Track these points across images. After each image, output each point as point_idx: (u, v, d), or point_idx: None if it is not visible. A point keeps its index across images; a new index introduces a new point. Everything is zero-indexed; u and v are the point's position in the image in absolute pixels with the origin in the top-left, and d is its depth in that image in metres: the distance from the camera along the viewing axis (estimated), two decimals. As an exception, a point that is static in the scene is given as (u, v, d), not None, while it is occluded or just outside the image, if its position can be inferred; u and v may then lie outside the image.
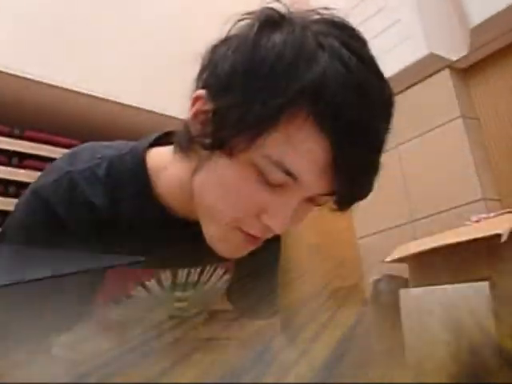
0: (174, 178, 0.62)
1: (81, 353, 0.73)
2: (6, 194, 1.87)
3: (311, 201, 0.55)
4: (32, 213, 0.58)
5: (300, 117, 0.47)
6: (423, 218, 2.02)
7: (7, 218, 0.63)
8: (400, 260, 1.53)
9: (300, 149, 0.49)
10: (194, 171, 0.57)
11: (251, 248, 0.59)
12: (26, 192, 0.60)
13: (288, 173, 0.50)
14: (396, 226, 2.13)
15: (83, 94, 1.98)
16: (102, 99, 2.03)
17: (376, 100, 0.50)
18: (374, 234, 2.21)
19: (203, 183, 0.56)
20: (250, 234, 0.56)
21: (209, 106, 0.53)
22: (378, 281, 1.73)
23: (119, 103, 2.08)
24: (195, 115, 0.55)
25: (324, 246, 2.56)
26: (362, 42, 0.52)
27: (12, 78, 1.84)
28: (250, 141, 0.49)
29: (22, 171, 1.92)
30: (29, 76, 1.86)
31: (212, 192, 0.55)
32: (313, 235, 2.59)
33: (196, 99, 0.55)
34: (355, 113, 0.47)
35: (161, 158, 0.63)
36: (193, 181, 0.57)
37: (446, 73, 2.00)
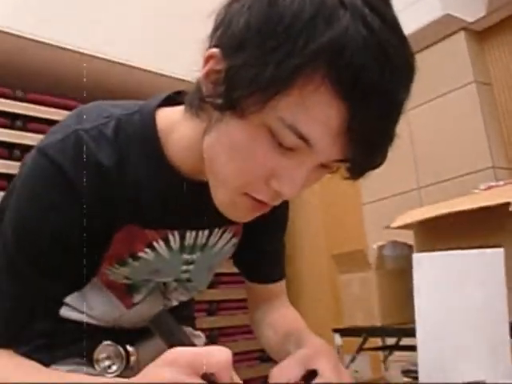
0: (184, 138, 0.60)
1: (87, 314, 0.74)
2: (10, 158, 1.86)
3: (323, 167, 0.54)
4: (39, 172, 0.57)
5: (316, 79, 0.45)
6: (430, 185, 2.01)
7: (14, 178, 0.62)
8: (405, 226, 1.53)
9: (314, 112, 0.47)
10: (205, 132, 0.56)
11: (259, 213, 0.59)
12: (33, 151, 0.59)
13: (301, 137, 0.48)
14: (402, 193, 2.12)
15: (88, 55, 1.93)
16: (108, 60, 1.99)
17: (397, 65, 0.47)
18: (380, 199, 2.20)
19: (213, 145, 0.55)
20: (258, 200, 0.55)
21: (221, 66, 0.50)
22: (382, 246, 1.74)
23: (125, 64, 2.03)
24: (207, 74, 0.53)
25: (329, 211, 2.57)
26: (386, 2, 0.49)
27: (13, 39, 1.78)
28: (262, 102, 0.47)
29: (26, 134, 1.89)
30: (30, 36, 1.80)
31: (222, 154, 0.54)
32: (318, 199, 2.60)
33: (209, 58, 0.52)
34: (374, 77, 0.45)
35: (171, 118, 0.62)
36: (203, 142, 0.56)
37: (461, 35, 1.94)
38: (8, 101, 1.88)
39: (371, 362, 2.10)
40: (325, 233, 2.55)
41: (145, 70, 2.08)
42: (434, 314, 0.49)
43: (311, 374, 0.52)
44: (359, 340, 1.74)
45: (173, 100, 0.65)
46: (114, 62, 2.00)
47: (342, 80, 0.45)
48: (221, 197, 0.57)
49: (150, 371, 0.43)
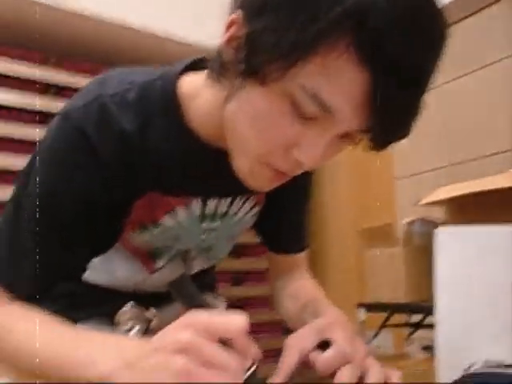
0: (206, 105, 0.60)
1: (111, 277, 0.76)
2: (45, 123, 1.88)
3: (345, 137, 0.52)
4: (63, 136, 0.58)
5: (340, 45, 0.44)
6: (464, 161, 1.95)
7: (39, 144, 0.63)
8: (436, 203, 1.49)
9: (337, 80, 0.45)
10: (226, 100, 0.55)
11: (279, 183, 0.58)
12: (57, 116, 0.59)
13: (322, 106, 0.47)
14: (435, 169, 2.07)
15: (119, 25, 1.93)
16: (140, 31, 1.98)
17: (427, 32, 0.45)
18: (413, 175, 2.16)
19: (234, 112, 0.54)
20: (278, 170, 0.54)
21: (243, 31, 0.49)
22: (411, 222, 1.72)
23: (156, 35, 2.01)
24: (229, 40, 0.52)
25: (359, 184, 2.54)
26: None
27: (48, 8, 1.79)
28: (284, 69, 0.46)
29: (60, 103, 1.86)
30: (65, 7, 1.81)
31: (242, 122, 0.53)
32: (348, 172, 2.57)
33: (231, 23, 0.51)
34: (400, 44, 0.43)
35: (193, 84, 0.61)
36: (224, 109, 0.55)
37: (505, 4, 1.84)
38: (41, 67, 1.88)
39: (394, 338, 2.10)
40: (353, 206, 2.53)
41: (179, 42, 2.06)
42: (453, 289, 0.48)
43: (326, 344, 0.52)
44: (383, 316, 1.74)
45: (196, 66, 0.64)
46: (145, 32, 1.99)
47: (366, 46, 0.43)
48: (241, 165, 0.56)
49: (167, 333, 0.44)
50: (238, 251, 2.44)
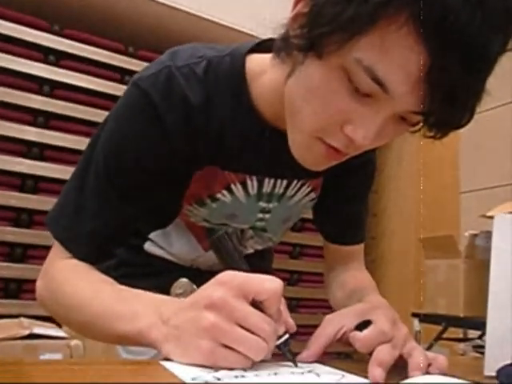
0: (270, 84, 0.61)
1: (167, 251, 0.78)
2: (40, 93, 1.90)
3: (402, 120, 0.52)
4: (131, 101, 0.61)
5: (399, 19, 0.43)
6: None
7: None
8: (503, 216, 1.43)
9: (393, 55, 0.45)
10: (288, 76, 0.56)
11: (333, 162, 0.58)
12: (129, 83, 0.63)
13: (377, 81, 0.46)
14: (506, 185, 1.98)
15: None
16: None
17: (492, 8, 0.43)
18: (478, 190, 2.08)
19: (293, 87, 0.55)
20: (332, 147, 0.54)
21: (309, 8, 0.50)
22: (475, 235, 1.66)
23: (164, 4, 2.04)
24: (295, 18, 0.53)
25: (425, 193, 2.47)
26: None
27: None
28: (342, 41, 0.46)
29: (58, 70, 1.92)
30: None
31: (299, 96, 0.54)
32: (415, 180, 2.51)
33: (298, 1, 0.52)
34: (462, 20, 0.41)
35: (260, 63, 0.63)
36: (285, 85, 0.56)
37: None
38: (44, 34, 1.91)
39: (449, 355, 2.02)
40: (416, 215, 2.47)
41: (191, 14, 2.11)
42: (509, 280, 0.46)
43: (365, 324, 0.50)
44: (439, 329, 1.68)
45: (265, 47, 0.65)
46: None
47: (426, 21, 0.42)
48: (295, 140, 0.57)
49: (202, 290, 0.45)
50: (297, 251, 2.46)
